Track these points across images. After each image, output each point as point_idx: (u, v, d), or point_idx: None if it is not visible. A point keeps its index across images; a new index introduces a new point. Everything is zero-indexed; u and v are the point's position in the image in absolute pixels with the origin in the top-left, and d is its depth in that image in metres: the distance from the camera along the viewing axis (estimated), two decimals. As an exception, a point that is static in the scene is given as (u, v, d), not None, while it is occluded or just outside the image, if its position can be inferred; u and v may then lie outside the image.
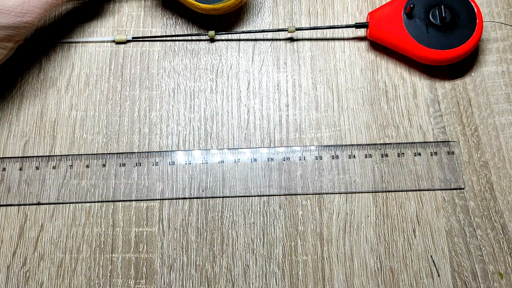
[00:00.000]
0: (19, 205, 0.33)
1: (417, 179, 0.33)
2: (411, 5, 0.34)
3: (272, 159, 0.34)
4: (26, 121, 0.35)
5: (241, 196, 0.33)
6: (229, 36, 0.37)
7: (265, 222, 0.33)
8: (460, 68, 0.36)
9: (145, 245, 0.32)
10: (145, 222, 0.33)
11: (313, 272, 0.32)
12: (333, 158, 0.34)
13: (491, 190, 0.33)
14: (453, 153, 0.34)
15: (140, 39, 0.37)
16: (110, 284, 0.32)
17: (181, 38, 0.37)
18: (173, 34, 0.38)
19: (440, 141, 0.34)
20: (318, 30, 0.37)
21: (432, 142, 0.34)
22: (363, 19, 0.38)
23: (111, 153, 0.34)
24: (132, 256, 0.32)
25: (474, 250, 0.32)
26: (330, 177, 0.34)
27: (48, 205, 0.33)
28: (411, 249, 0.32)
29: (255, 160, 0.34)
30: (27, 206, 0.33)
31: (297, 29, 0.36)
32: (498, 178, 0.34)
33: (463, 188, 0.33)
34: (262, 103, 0.36)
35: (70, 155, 0.34)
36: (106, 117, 0.35)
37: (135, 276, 0.32)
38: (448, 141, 0.34)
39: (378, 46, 0.37)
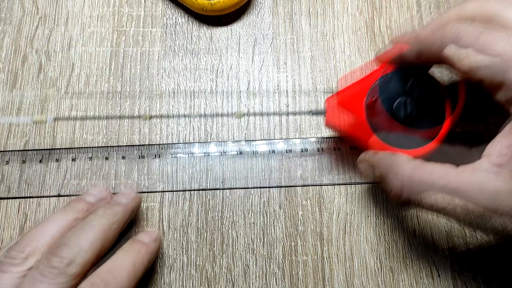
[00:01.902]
0: (19, 197, 0.33)
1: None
2: (373, 98, 0.29)
3: (273, 151, 0.34)
4: (26, 122, 0.35)
5: (240, 188, 0.33)
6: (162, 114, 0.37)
7: (265, 222, 0.33)
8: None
9: (145, 245, 0.32)
10: (145, 223, 0.33)
11: (313, 272, 0.32)
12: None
13: (491, 190, 0.33)
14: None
15: (65, 119, 0.36)
16: (110, 284, 0.32)
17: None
18: (173, 36, 0.38)
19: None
20: (318, 31, 0.37)
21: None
22: (363, 20, 0.38)
23: (112, 146, 0.34)
24: (132, 256, 0.32)
25: (474, 250, 0.32)
26: (331, 177, 0.34)
27: (48, 205, 0.33)
28: (411, 249, 0.32)
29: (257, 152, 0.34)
30: (27, 206, 0.33)
31: (243, 115, 0.33)
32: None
33: None
34: (262, 103, 0.36)
35: (71, 152, 0.34)
36: (106, 117, 0.35)
37: (135, 276, 0.32)
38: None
39: (378, 46, 0.37)
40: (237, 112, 0.33)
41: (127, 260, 0.28)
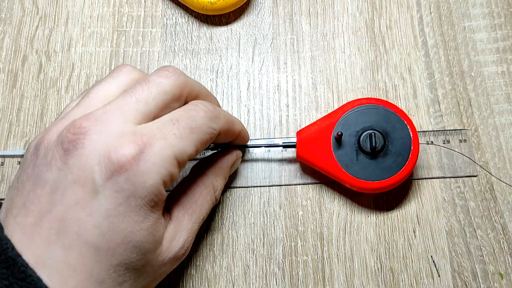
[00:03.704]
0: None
1: (429, 168, 0.34)
2: (339, 133, 0.31)
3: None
4: (26, 121, 0.35)
5: (240, 188, 0.33)
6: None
7: (265, 222, 0.33)
8: (460, 68, 0.36)
9: (145, 245, 0.32)
10: (145, 222, 0.33)
11: (313, 272, 0.32)
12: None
13: (491, 190, 0.33)
14: (465, 141, 0.34)
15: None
16: (110, 284, 0.32)
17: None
18: (173, 36, 0.38)
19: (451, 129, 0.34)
20: (318, 31, 0.37)
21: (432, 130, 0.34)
22: (363, 20, 0.38)
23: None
24: (132, 256, 0.32)
25: (474, 250, 0.32)
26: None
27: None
28: (411, 249, 0.32)
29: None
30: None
31: (216, 146, 0.33)
32: (499, 178, 0.34)
33: (476, 176, 0.33)
34: (262, 103, 0.36)
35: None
36: (106, 117, 0.35)
37: (135, 276, 0.32)
38: (461, 130, 0.34)
39: (378, 46, 0.37)
40: (211, 145, 0.33)
41: (228, 114, 0.30)
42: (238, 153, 0.32)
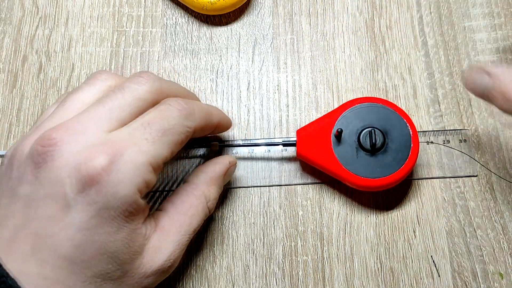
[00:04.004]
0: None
1: (429, 168, 0.34)
2: (339, 130, 0.31)
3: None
4: (26, 121, 0.35)
5: (240, 187, 0.33)
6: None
7: (265, 222, 0.33)
8: (460, 68, 0.36)
9: (145, 245, 0.32)
10: (145, 222, 0.33)
11: (313, 272, 0.32)
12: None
13: (491, 190, 0.33)
14: (465, 141, 0.34)
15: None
16: (110, 284, 0.32)
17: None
18: (173, 36, 0.38)
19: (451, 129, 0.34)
20: (318, 31, 0.38)
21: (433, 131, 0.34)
22: (363, 20, 0.38)
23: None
24: (132, 256, 0.32)
25: (474, 250, 0.32)
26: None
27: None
28: (411, 249, 0.32)
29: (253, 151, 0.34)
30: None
31: (220, 146, 0.33)
32: (498, 178, 0.34)
33: (476, 176, 0.33)
34: (262, 104, 0.36)
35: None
36: (106, 117, 0.35)
37: (135, 276, 0.32)
38: (461, 130, 0.34)
39: (378, 46, 0.37)
40: (213, 143, 0.33)
41: (205, 105, 0.29)
42: (232, 160, 0.31)
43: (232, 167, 0.31)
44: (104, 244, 0.23)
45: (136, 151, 0.23)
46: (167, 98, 0.26)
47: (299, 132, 0.32)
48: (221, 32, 0.38)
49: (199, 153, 0.34)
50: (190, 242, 0.32)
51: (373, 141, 0.31)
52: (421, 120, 0.35)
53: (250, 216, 0.33)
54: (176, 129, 0.25)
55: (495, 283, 0.31)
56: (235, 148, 0.34)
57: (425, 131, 0.34)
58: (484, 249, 0.32)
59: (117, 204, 0.23)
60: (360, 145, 0.31)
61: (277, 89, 0.36)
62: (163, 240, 0.26)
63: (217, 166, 0.30)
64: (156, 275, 0.25)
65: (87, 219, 0.22)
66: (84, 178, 0.22)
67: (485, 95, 0.26)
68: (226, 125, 0.31)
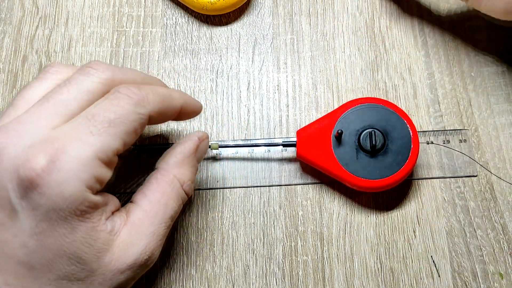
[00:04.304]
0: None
1: (429, 168, 0.34)
2: (339, 131, 0.31)
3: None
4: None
5: (240, 187, 0.33)
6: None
7: (265, 222, 0.33)
8: (460, 68, 0.36)
9: (145, 245, 0.32)
10: (145, 222, 0.33)
11: (313, 272, 0.32)
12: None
13: (491, 191, 0.33)
14: (465, 141, 0.34)
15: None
16: (110, 284, 0.32)
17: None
18: (173, 36, 0.38)
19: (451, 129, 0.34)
20: (318, 31, 0.38)
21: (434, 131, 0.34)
22: (363, 20, 0.38)
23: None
24: (132, 256, 0.32)
25: (474, 250, 0.32)
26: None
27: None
28: (411, 249, 0.32)
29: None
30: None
31: (220, 146, 0.33)
32: (498, 178, 0.34)
33: (476, 176, 0.33)
34: (262, 104, 0.36)
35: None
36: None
37: (135, 276, 0.32)
38: (461, 130, 0.34)
39: (378, 46, 0.37)
40: (212, 144, 0.33)
41: (163, 86, 0.28)
42: (202, 135, 0.28)
43: (203, 142, 0.29)
44: (61, 246, 0.22)
45: (81, 145, 0.22)
46: (117, 86, 0.24)
47: (299, 132, 0.32)
48: (221, 32, 0.38)
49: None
50: (189, 242, 0.32)
51: (373, 142, 0.31)
52: (421, 120, 0.35)
53: (250, 216, 0.33)
54: (126, 118, 0.23)
55: (495, 283, 0.31)
56: (235, 148, 0.34)
57: (425, 131, 0.34)
58: (484, 249, 0.32)
59: (65, 204, 0.21)
60: (360, 146, 0.31)
61: (277, 89, 0.36)
62: (136, 233, 0.24)
63: (185, 145, 0.28)
64: (132, 270, 0.24)
65: (35, 223, 0.21)
66: (24, 182, 0.21)
67: None
68: (193, 109, 0.29)
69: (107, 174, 0.23)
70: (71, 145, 0.22)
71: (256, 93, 0.36)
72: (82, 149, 0.22)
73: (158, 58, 0.37)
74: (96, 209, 0.23)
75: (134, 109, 0.24)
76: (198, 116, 0.35)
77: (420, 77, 0.36)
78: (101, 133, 0.22)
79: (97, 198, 0.23)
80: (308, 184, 0.34)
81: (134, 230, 0.24)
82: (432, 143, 0.34)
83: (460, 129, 0.35)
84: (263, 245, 0.32)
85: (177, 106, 0.27)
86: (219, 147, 0.33)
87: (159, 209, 0.26)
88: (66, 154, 0.21)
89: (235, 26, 0.38)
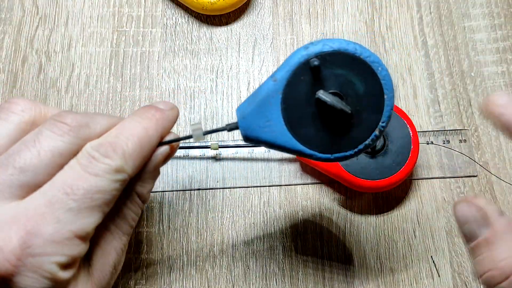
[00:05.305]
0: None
1: (429, 168, 0.34)
2: None
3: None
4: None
5: (240, 187, 0.33)
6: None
7: (265, 222, 0.33)
8: (460, 68, 0.36)
9: (145, 246, 0.32)
10: (145, 223, 0.33)
11: (313, 272, 0.32)
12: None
13: (491, 191, 0.33)
14: (465, 141, 0.34)
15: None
16: (110, 284, 0.32)
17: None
18: (173, 36, 0.38)
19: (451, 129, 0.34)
20: (318, 31, 0.38)
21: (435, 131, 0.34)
22: (363, 20, 0.38)
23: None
24: (132, 257, 0.32)
25: (474, 250, 0.32)
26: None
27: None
28: (411, 249, 0.32)
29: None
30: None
31: (220, 147, 0.33)
32: (498, 178, 0.34)
33: (476, 176, 0.33)
34: (262, 103, 0.36)
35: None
36: (106, 117, 0.35)
37: (135, 276, 0.32)
38: (461, 130, 0.34)
39: (378, 47, 0.37)
40: (212, 144, 0.33)
41: (139, 125, 0.22)
42: (165, 149, 0.24)
43: (169, 154, 0.24)
44: None
45: (57, 226, 0.20)
46: (88, 145, 0.21)
47: None
48: (221, 32, 0.38)
49: (198, 154, 0.34)
50: (189, 242, 0.32)
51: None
52: (421, 121, 0.35)
53: (250, 216, 0.33)
54: (105, 188, 0.21)
55: (495, 283, 0.31)
56: (235, 148, 0.34)
57: (425, 131, 0.34)
58: (484, 249, 0.32)
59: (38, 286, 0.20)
60: None
61: (277, 89, 0.36)
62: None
63: (149, 160, 0.23)
64: None
65: None
66: None
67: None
68: (170, 126, 0.24)
69: (84, 250, 0.21)
70: (47, 226, 0.19)
71: (256, 93, 0.36)
72: (59, 230, 0.20)
73: (158, 58, 0.37)
74: (67, 285, 0.21)
75: (113, 177, 0.21)
76: (198, 117, 0.35)
77: (420, 77, 0.36)
78: (81, 209, 0.20)
79: (68, 275, 0.21)
80: (308, 184, 0.34)
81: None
82: (432, 143, 0.34)
83: (460, 129, 0.35)
84: (263, 245, 0.32)
85: (154, 142, 0.23)
86: (219, 147, 0.33)
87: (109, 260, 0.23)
88: (41, 237, 0.19)
89: (235, 26, 0.38)
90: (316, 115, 0.22)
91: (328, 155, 0.23)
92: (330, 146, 0.23)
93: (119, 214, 0.23)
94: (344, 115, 0.22)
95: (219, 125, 0.35)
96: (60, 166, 0.21)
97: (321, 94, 0.21)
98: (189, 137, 0.24)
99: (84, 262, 0.22)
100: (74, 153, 0.21)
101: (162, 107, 0.24)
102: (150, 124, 0.23)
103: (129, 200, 0.23)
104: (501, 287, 0.19)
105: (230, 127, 0.24)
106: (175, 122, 0.25)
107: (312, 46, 0.22)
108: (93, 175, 0.20)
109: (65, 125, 0.21)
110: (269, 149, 0.34)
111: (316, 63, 0.21)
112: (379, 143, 0.31)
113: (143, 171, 0.23)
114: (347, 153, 0.23)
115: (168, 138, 0.24)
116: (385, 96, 0.22)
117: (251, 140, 0.23)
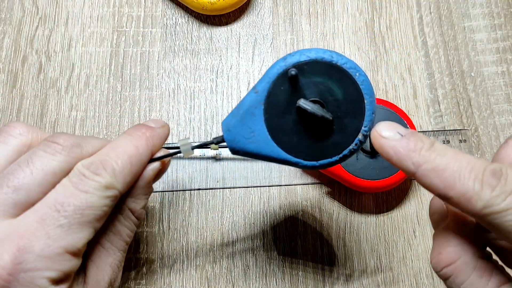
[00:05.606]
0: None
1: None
2: None
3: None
4: (26, 122, 0.35)
5: (240, 187, 0.33)
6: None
7: (265, 222, 0.33)
8: (460, 68, 0.36)
9: (145, 246, 0.32)
10: (145, 223, 0.33)
11: (313, 272, 0.32)
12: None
13: (491, 190, 0.33)
14: (465, 141, 0.34)
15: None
16: (110, 284, 0.32)
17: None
18: (173, 36, 0.38)
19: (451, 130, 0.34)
20: (318, 31, 0.37)
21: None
22: (363, 20, 0.38)
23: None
24: (132, 257, 0.32)
25: (474, 250, 0.32)
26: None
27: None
28: (411, 249, 0.32)
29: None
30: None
31: (220, 147, 0.33)
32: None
33: None
34: (262, 103, 0.36)
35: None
36: (106, 118, 0.35)
37: (135, 276, 0.32)
38: (461, 130, 0.34)
39: (378, 47, 0.37)
40: (212, 145, 0.33)
41: (129, 143, 0.23)
42: (156, 165, 0.25)
43: (161, 170, 0.25)
44: None
45: (48, 242, 0.20)
46: (80, 165, 0.22)
47: None
48: (221, 32, 0.38)
49: (198, 154, 0.34)
50: (189, 242, 0.32)
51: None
52: (421, 120, 0.35)
53: (250, 216, 0.33)
54: (95, 204, 0.21)
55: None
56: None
57: (425, 131, 0.34)
58: (484, 249, 0.32)
59: None
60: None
61: (277, 89, 0.36)
62: None
63: (141, 176, 0.24)
64: None
65: None
66: None
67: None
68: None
69: (76, 265, 0.21)
70: (38, 242, 0.20)
71: (256, 93, 0.36)
72: (49, 246, 0.20)
73: (158, 58, 0.37)
74: None
75: (103, 194, 0.21)
76: (198, 117, 0.35)
77: (420, 77, 0.36)
78: (72, 225, 0.20)
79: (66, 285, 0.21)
80: (308, 184, 0.34)
81: None
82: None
83: (460, 129, 0.35)
84: (263, 245, 0.32)
85: (146, 159, 0.24)
86: (219, 147, 0.33)
87: (108, 271, 0.24)
88: (32, 253, 0.20)
89: (235, 26, 0.38)
90: (299, 124, 0.22)
91: (314, 162, 0.23)
92: (315, 154, 0.23)
93: (113, 231, 0.24)
94: (326, 122, 0.22)
95: (219, 125, 0.35)
96: (53, 185, 0.21)
97: (302, 103, 0.22)
98: (178, 152, 0.25)
99: (79, 278, 0.23)
100: (66, 172, 0.22)
101: (153, 125, 0.25)
102: (140, 142, 0.24)
103: (123, 217, 0.24)
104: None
105: (217, 140, 0.24)
106: (166, 139, 0.26)
107: (290, 57, 0.22)
108: (83, 192, 0.21)
109: (58, 145, 0.22)
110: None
111: (293, 72, 0.22)
112: None
113: (135, 187, 0.24)
114: (332, 159, 0.23)
115: (158, 154, 0.25)
116: (365, 101, 0.22)
117: (237, 152, 0.23)
